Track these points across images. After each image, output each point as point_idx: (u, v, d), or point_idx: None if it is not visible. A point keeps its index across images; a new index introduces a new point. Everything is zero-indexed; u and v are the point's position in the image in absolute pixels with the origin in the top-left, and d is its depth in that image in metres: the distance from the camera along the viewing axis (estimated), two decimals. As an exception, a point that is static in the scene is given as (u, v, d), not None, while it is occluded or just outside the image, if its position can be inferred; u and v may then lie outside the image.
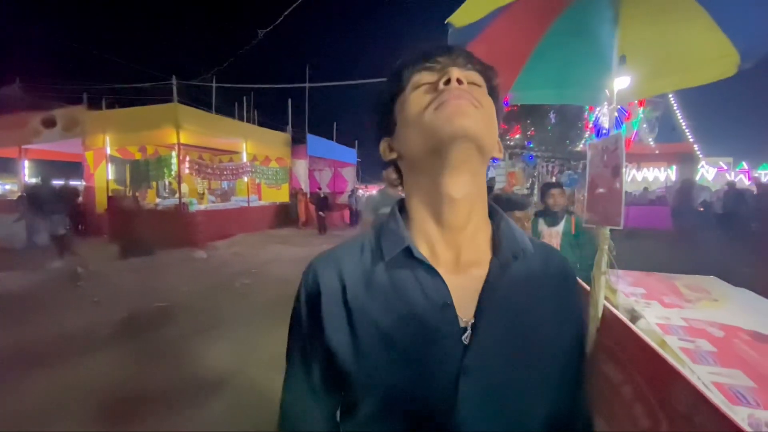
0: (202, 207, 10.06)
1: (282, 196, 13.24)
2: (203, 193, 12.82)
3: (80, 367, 3.04)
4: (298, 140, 13.94)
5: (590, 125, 12.09)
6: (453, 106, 0.46)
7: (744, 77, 2.27)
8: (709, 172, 16.38)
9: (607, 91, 2.69)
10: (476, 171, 0.51)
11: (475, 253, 0.53)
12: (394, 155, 0.55)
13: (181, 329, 3.83)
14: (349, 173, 16.96)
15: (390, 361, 0.48)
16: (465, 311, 0.49)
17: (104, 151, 9.86)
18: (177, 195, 9.83)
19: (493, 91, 0.54)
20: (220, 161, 12.51)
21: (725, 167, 16.47)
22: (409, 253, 0.50)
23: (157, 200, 10.36)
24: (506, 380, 0.48)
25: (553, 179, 7.87)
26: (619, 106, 2.63)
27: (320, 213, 11.51)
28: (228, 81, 14.09)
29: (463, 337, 0.48)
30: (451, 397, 0.46)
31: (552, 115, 12.42)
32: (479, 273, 0.52)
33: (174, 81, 9.59)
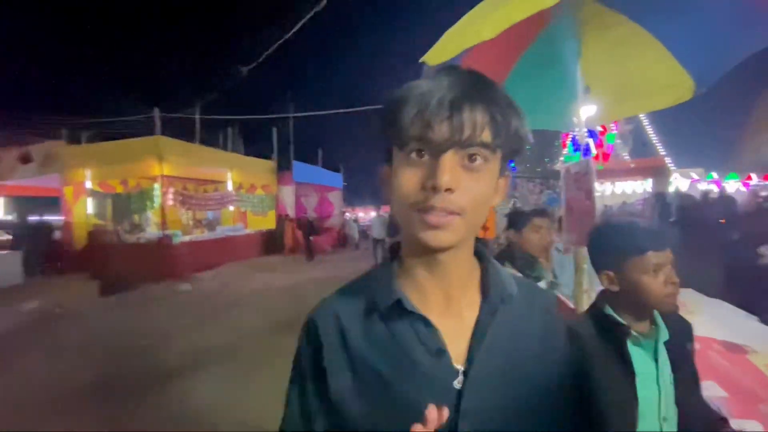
0: (186, 238, 9.91)
1: (268, 223, 13.16)
2: (189, 224, 12.66)
3: (58, 420, 2.91)
4: (283, 167, 14.01)
5: (567, 142, 12.51)
6: (433, 227, 0.47)
7: (710, 92, 2.45)
8: (681, 184, 17.02)
9: (574, 118, 2.86)
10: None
11: (465, 297, 0.56)
12: (388, 191, 0.54)
13: (167, 367, 3.72)
14: (335, 197, 17.04)
15: (390, 407, 0.50)
16: (457, 355, 0.52)
17: (84, 185, 9.70)
18: (159, 227, 9.68)
19: (509, 143, 0.51)
20: (204, 191, 12.44)
21: (697, 178, 17.16)
22: (401, 303, 0.52)
23: (140, 234, 10.16)
24: (502, 421, 0.50)
25: (534, 197, 7.96)
26: (587, 129, 2.80)
27: (308, 238, 11.47)
28: (212, 112, 14.15)
29: (455, 382, 0.50)
30: None
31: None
32: (470, 315, 0.55)
33: (156, 113, 9.61)
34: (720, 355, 1.46)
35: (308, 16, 8.70)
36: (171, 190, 9.61)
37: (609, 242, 0.95)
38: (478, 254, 0.59)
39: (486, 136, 0.47)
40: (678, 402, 0.90)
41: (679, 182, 16.51)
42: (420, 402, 0.47)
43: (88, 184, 9.71)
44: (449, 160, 0.46)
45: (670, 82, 2.47)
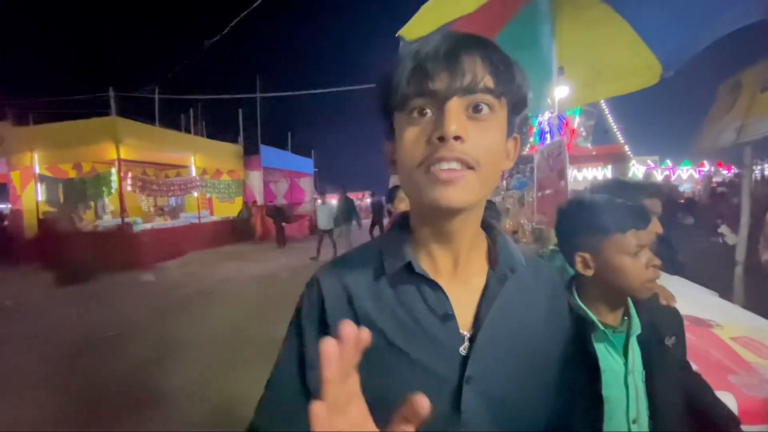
0: (148, 226, 9.41)
1: (236, 210, 12.75)
2: (150, 211, 12.02)
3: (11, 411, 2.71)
4: (251, 151, 13.49)
5: (534, 129, 12.83)
6: (443, 181, 0.44)
7: (665, 82, 2.53)
8: (639, 170, 17.95)
9: (549, 99, 2.88)
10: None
11: (474, 265, 0.55)
12: (395, 169, 0.52)
13: (135, 359, 3.55)
14: (306, 183, 16.68)
15: (395, 370, 0.49)
16: (463, 322, 0.51)
17: (33, 170, 8.97)
18: (118, 215, 9.13)
19: (513, 94, 0.48)
20: (166, 176, 11.81)
21: (652, 165, 18.12)
22: (410, 267, 0.51)
23: (97, 221, 9.55)
24: (507, 388, 0.49)
25: (504, 183, 8.15)
26: (558, 114, 2.84)
27: (278, 225, 11.20)
28: (174, 92, 13.36)
29: (461, 348, 0.50)
30: (454, 406, 0.47)
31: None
32: (477, 283, 0.54)
33: (112, 93, 8.93)
34: (688, 331, 1.52)
35: (275, -7, 8.27)
36: (129, 175, 9.06)
37: (585, 220, 0.84)
38: (486, 225, 0.58)
39: (488, 81, 0.45)
40: (662, 401, 0.84)
41: (636, 169, 17.39)
42: (425, 366, 0.48)
43: (37, 169, 8.97)
44: (455, 106, 0.44)
45: (639, 65, 2.53)
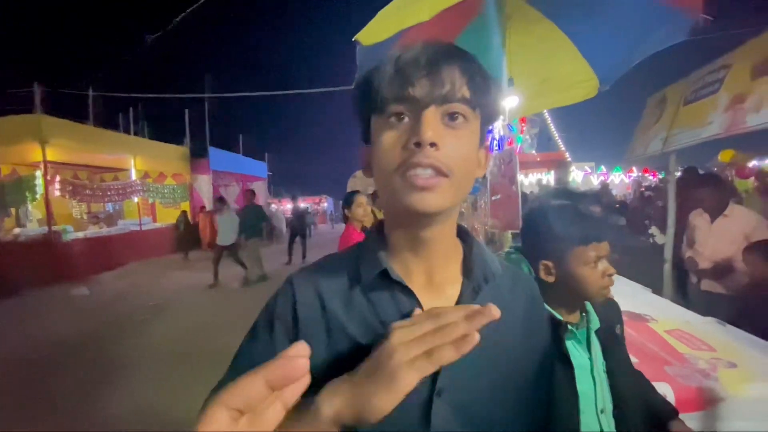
0: (80, 234, 8.58)
1: (183, 216, 12.00)
2: (82, 218, 10.98)
3: None
4: (198, 154, 12.78)
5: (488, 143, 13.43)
6: (419, 187, 0.44)
7: (601, 95, 2.74)
8: (578, 175, 19.36)
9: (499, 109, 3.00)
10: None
11: (448, 274, 0.55)
12: (370, 172, 0.53)
13: (66, 384, 3.19)
14: (259, 188, 16.13)
15: None
16: None
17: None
18: (44, 223, 8.24)
19: (487, 106, 0.50)
20: (102, 180, 10.86)
21: (589, 170, 19.62)
22: (386, 274, 0.52)
23: (17, 230, 8.54)
24: (479, 399, 0.49)
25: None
26: (508, 123, 2.97)
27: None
28: (113, 89, 12.34)
29: None
30: (424, 418, 0.46)
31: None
32: (451, 292, 0.54)
33: (36, 88, 8.07)
34: (627, 326, 1.63)
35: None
36: (58, 178, 8.22)
37: (552, 230, 0.88)
38: (462, 234, 0.59)
39: (465, 92, 0.47)
40: (618, 391, 0.89)
41: (575, 174, 18.73)
42: None
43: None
44: (432, 113, 0.45)
45: (580, 79, 2.72)
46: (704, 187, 2.71)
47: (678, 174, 3.70)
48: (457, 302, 0.53)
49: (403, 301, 0.51)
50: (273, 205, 10.59)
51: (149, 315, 5.10)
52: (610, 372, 0.91)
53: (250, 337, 0.55)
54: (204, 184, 12.82)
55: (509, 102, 2.81)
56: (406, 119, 0.46)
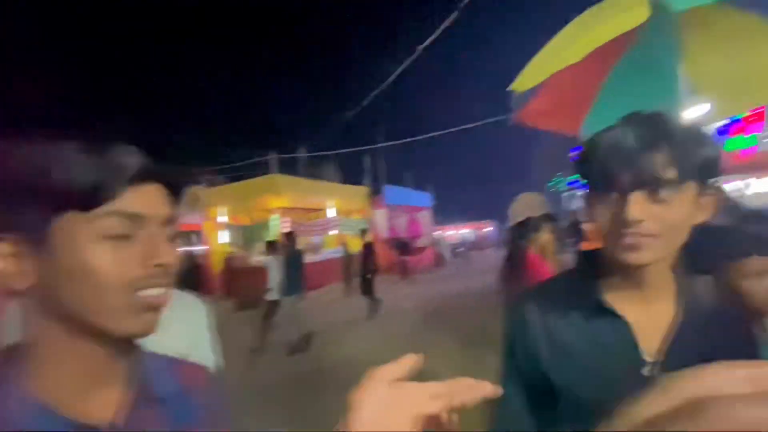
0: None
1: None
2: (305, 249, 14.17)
3: None
4: (375, 191, 15.01)
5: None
6: (629, 246, 0.53)
7: None
8: None
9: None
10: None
11: (659, 300, 0.59)
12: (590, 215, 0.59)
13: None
14: (424, 217, 17.35)
15: (586, 386, 0.58)
16: (649, 346, 0.57)
17: (217, 220, 11.74)
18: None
19: (700, 171, 0.52)
20: (308, 219, 13.89)
21: None
22: (599, 301, 0.59)
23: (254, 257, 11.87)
24: None
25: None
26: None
27: (401, 258, 11.90)
28: (315, 148, 16.03)
29: (644, 370, 0.56)
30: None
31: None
32: (662, 309, 0.59)
33: (273, 156, 11.38)
34: None
35: (405, 65, 9.34)
36: (288, 219, 11.08)
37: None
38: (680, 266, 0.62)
39: (671, 174, 0.50)
40: None
41: None
42: (613, 380, 0.54)
43: (225, 218, 11.68)
44: (636, 197, 0.51)
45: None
46: None
47: None
48: (673, 322, 0.57)
49: (616, 324, 0.58)
50: (437, 233, 11.30)
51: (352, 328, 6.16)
52: None
53: (504, 363, 0.66)
54: (380, 217, 14.78)
55: (696, 111, 2.53)
56: (616, 194, 0.53)
